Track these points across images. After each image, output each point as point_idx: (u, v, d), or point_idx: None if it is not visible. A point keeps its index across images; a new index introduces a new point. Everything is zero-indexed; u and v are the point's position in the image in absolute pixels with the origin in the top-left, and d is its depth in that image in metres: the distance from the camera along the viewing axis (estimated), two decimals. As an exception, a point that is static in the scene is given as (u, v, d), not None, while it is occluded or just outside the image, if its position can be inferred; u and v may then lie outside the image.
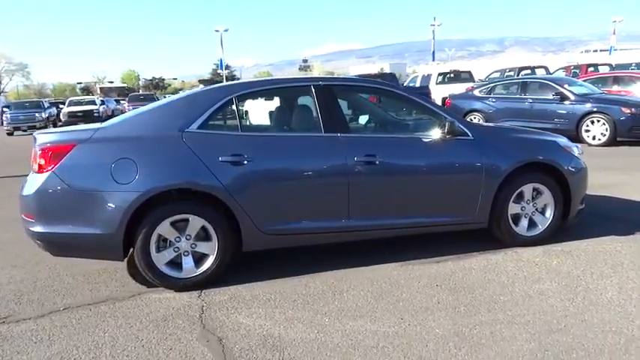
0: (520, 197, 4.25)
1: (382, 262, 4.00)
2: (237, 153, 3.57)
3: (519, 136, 4.42)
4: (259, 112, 4.12)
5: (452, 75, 20.10)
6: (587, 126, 10.64)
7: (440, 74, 20.02)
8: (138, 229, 3.44)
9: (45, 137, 3.54)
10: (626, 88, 12.80)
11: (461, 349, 2.68)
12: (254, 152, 3.61)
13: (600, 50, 75.30)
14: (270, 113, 4.13)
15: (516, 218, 4.27)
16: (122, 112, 30.65)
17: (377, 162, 3.81)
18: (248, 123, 3.85)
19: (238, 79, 77.01)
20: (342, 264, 3.97)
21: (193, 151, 3.52)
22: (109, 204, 3.39)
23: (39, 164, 3.42)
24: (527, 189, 4.24)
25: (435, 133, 3.97)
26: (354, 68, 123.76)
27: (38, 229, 3.45)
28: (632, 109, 10.21)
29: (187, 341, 2.87)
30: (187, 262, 3.59)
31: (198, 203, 3.54)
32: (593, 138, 10.53)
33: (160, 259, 3.53)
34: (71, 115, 25.10)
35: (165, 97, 38.35)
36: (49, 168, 3.40)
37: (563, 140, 4.59)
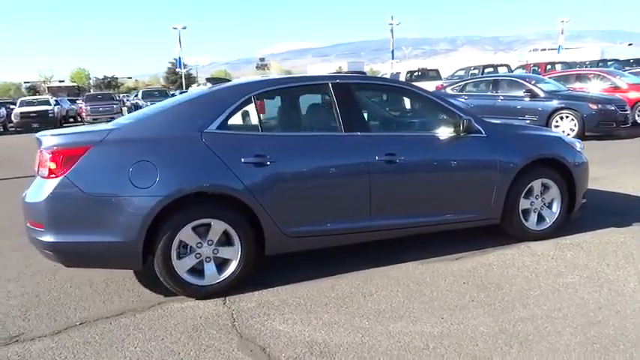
0: (529, 193, 4.32)
1: (400, 261, 3.97)
2: (259, 154, 3.44)
3: (527, 133, 4.49)
4: (278, 110, 3.99)
5: (420, 73, 20.45)
6: (557, 122, 11.00)
7: (408, 72, 20.32)
8: (158, 235, 3.26)
9: (54, 139, 3.29)
10: (585, 85, 13.33)
11: (512, 346, 2.68)
12: (276, 153, 3.49)
13: (549, 49, 78.55)
14: (289, 112, 4.02)
15: (526, 213, 4.34)
16: (78, 112, 29.40)
17: (397, 160, 3.77)
18: (268, 122, 3.72)
19: (194, 77, 75.35)
20: (362, 264, 3.91)
21: (215, 152, 3.36)
22: (127, 210, 3.19)
23: (49, 168, 3.18)
24: (537, 184, 4.32)
25: (452, 131, 3.97)
26: (312, 67, 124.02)
27: (49, 238, 3.21)
28: (599, 105, 10.65)
29: (228, 352, 2.74)
30: (209, 268, 3.43)
31: (221, 207, 3.39)
32: (563, 133, 10.89)
33: (181, 267, 3.36)
34: (24, 115, 23.78)
35: (119, 96, 36.89)
36: (61, 172, 3.16)
37: (564, 136, 4.70)
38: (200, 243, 3.38)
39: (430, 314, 3.08)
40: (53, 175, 3.17)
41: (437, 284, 3.54)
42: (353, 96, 3.84)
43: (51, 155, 3.18)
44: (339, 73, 26.66)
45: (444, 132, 3.98)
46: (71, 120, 29.40)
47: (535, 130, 4.61)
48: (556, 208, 4.42)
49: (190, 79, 62.32)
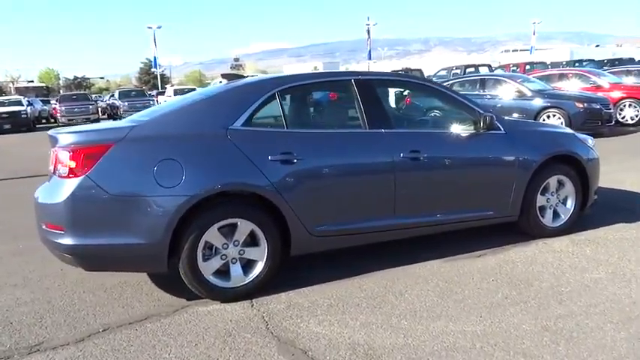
0: (545, 189, 4.33)
1: (423, 260, 3.92)
2: (286, 151, 3.34)
3: (543, 130, 4.50)
4: (301, 107, 3.90)
5: (403, 73, 20.56)
6: (544, 120, 11.16)
7: (392, 72, 20.41)
8: (183, 236, 3.12)
9: (73, 137, 3.12)
10: (568, 85, 13.58)
11: (558, 343, 2.65)
12: (303, 150, 3.40)
13: (520, 50, 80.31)
14: (313, 109, 3.93)
15: (542, 210, 4.34)
16: (51, 113, 28.54)
17: (421, 158, 3.72)
18: (292, 119, 3.62)
19: (168, 78, 74.08)
20: (383, 264, 3.84)
21: (241, 150, 3.25)
22: (153, 210, 3.05)
23: (69, 167, 3.01)
24: (553, 181, 4.33)
25: (474, 128, 3.94)
26: (287, 67, 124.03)
27: (69, 241, 3.04)
28: (585, 104, 10.85)
29: (269, 357, 2.63)
30: (235, 270, 3.31)
31: (248, 206, 3.28)
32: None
33: (207, 269, 3.23)
34: (-5, 116, 22.97)
35: (92, 96, 35.96)
36: (82, 172, 3.00)
37: (577, 132, 4.73)
38: (226, 244, 3.26)
39: (467, 313, 3.04)
40: (73, 175, 3.01)
41: (466, 282, 3.50)
42: (375, 92, 3.78)
43: (71, 153, 3.02)
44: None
45: (466, 129, 3.95)
46: (44, 121, 28.53)
47: (550, 127, 4.63)
48: (570, 204, 4.44)
49: (164, 80, 61.12)
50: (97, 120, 25.08)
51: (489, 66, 22.97)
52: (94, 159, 3.01)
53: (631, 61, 23.94)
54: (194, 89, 31.14)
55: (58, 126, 23.19)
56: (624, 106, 12.63)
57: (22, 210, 5.70)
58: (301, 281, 3.58)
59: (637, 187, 6.09)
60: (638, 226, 4.60)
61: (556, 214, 4.42)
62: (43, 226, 3.18)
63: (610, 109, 11.22)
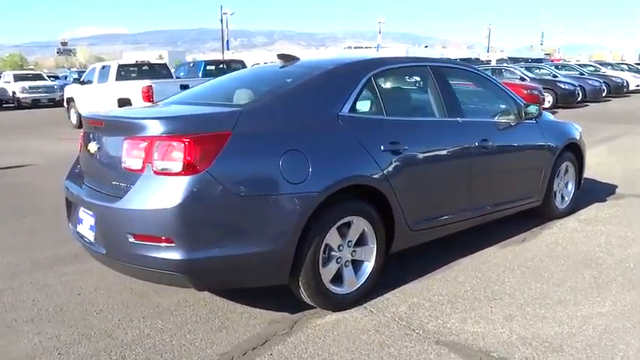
0: (557, 175, 4.68)
1: (479, 248, 3.94)
2: (395, 140, 3.07)
3: (554, 120, 4.85)
4: (393, 93, 3.60)
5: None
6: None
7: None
8: (306, 239, 2.69)
9: (178, 123, 2.48)
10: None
11: (687, 313, 2.88)
12: (407, 139, 3.16)
13: (365, 47, 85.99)
14: (402, 95, 3.66)
15: (555, 194, 4.70)
16: None
17: (489, 147, 3.74)
18: (388, 106, 3.30)
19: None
20: (448, 255, 3.76)
21: (357, 139, 2.90)
22: (280, 211, 2.57)
23: (183, 162, 2.36)
24: (563, 166, 4.70)
25: (515, 118, 4.06)
26: (127, 54, 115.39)
27: (180, 256, 2.39)
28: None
29: (458, 364, 2.41)
30: (348, 273, 2.97)
31: (363, 202, 2.95)
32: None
33: (326, 275, 2.84)
34: None
35: None
36: (201, 167, 2.38)
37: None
38: (341, 245, 2.90)
39: (582, 296, 3.13)
40: (189, 171, 2.37)
41: (544, 267, 3.61)
42: (448, 80, 3.69)
43: (185, 144, 2.37)
44: (230, 60, 24.98)
45: (515, 118, 4.06)
46: None
47: (554, 118, 5.00)
48: (571, 187, 4.88)
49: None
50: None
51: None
52: (214, 151, 2.41)
53: (477, 61, 27.24)
54: (39, 74, 27.13)
55: None
56: (500, 100, 14.27)
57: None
58: (391, 281, 3.34)
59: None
60: (614, 205, 5.21)
61: (561, 197, 4.82)
62: (131, 239, 2.45)
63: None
